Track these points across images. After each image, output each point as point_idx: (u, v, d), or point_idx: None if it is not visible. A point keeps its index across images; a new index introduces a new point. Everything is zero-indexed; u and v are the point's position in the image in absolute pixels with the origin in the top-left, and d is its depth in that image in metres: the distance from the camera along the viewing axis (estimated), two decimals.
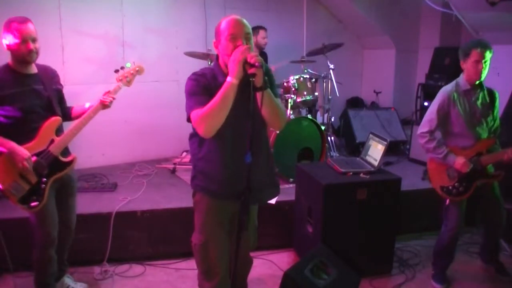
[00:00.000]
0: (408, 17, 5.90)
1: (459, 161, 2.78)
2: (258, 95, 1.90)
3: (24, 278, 2.95)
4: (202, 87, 1.98)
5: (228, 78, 1.89)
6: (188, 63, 4.76)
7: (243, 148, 1.90)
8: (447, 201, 2.90)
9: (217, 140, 2.01)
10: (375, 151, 3.28)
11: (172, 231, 3.34)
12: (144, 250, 3.34)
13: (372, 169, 3.19)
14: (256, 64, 1.82)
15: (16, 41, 2.31)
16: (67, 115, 2.63)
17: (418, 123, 4.75)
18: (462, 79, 2.84)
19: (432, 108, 2.87)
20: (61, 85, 2.66)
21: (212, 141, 2.02)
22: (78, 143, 4.39)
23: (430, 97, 5.32)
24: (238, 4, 5.28)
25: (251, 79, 1.85)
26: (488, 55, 2.72)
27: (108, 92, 2.59)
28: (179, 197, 3.58)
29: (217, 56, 2.08)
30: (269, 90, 1.96)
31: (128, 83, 2.66)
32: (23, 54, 2.35)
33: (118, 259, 3.25)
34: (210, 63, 4.39)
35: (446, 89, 2.87)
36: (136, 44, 4.71)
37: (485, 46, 2.72)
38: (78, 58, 4.39)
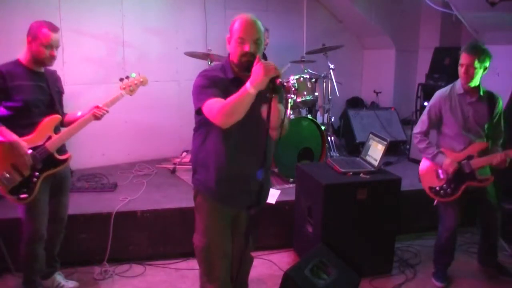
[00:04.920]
0: (408, 17, 5.89)
1: (446, 162, 2.82)
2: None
3: None
4: (212, 81, 1.98)
5: (248, 86, 1.82)
6: (188, 63, 4.77)
7: (248, 150, 1.97)
8: (435, 201, 2.95)
9: (223, 135, 2.01)
10: (375, 151, 3.28)
11: (172, 231, 3.34)
12: (144, 250, 3.34)
13: (372, 169, 3.19)
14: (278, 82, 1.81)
15: (44, 45, 2.42)
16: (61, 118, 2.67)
17: None
18: (458, 82, 2.86)
19: (425, 110, 2.94)
20: (63, 89, 2.75)
21: (219, 135, 2.02)
22: (79, 143, 4.41)
23: (430, 97, 5.28)
24: (238, 4, 5.28)
25: (270, 95, 1.81)
26: (473, 61, 2.67)
27: (105, 104, 2.65)
28: (179, 197, 3.58)
29: (229, 53, 2.10)
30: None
31: (131, 92, 2.76)
32: (45, 57, 2.46)
33: (118, 259, 3.25)
34: (210, 63, 4.38)
35: (440, 92, 2.90)
36: (136, 44, 4.71)
37: (470, 51, 2.69)
38: (78, 58, 4.39)
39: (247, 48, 1.94)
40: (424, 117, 2.92)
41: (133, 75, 2.76)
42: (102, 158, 4.63)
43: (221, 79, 1.99)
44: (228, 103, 1.86)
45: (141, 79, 2.78)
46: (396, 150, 5.11)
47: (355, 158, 3.56)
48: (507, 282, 3.11)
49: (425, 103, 5.36)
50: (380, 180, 3.10)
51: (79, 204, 3.34)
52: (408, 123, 5.35)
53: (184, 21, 4.98)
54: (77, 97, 4.29)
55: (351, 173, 3.14)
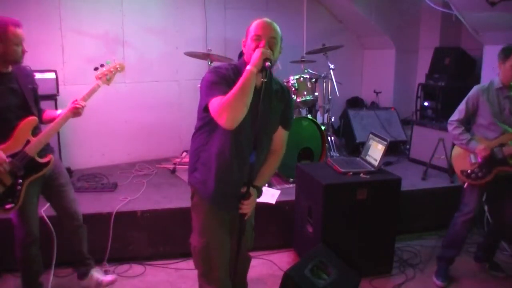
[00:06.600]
0: (408, 17, 5.89)
1: (479, 147, 2.90)
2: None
3: None
4: (221, 78, 1.96)
5: (248, 67, 1.89)
6: (188, 63, 4.77)
7: (249, 149, 1.97)
8: (466, 184, 3.00)
9: (227, 137, 1.98)
10: (375, 151, 3.28)
11: (172, 231, 3.34)
12: (144, 250, 3.34)
13: (372, 169, 3.19)
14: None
15: (16, 44, 2.29)
16: (39, 117, 2.54)
17: (418, 123, 4.81)
18: (497, 78, 2.95)
19: (463, 101, 3.03)
20: (36, 84, 2.60)
21: (222, 137, 1.99)
22: (79, 143, 4.45)
23: (430, 97, 5.34)
24: (238, 4, 5.28)
25: (263, 80, 1.91)
26: None
27: (82, 98, 2.53)
28: (179, 197, 3.58)
29: (241, 54, 2.12)
30: None
31: (108, 81, 2.63)
32: (15, 56, 2.33)
33: (118, 259, 3.25)
34: (210, 63, 4.38)
35: (478, 86, 3.02)
36: (136, 44, 4.71)
37: None
38: (78, 58, 4.39)
39: (262, 44, 1.95)
40: (461, 106, 3.02)
41: (108, 62, 2.62)
42: (102, 158, 4.63)
43: (233, 80, 1.94)
44: (232, 92, 1.84)
45: (117, 66, 2.63)
46: (396, 150, 5.11)
47: (355, 158, 3.56)
48: (508, 282, 3.11)
49: (425, 103, 5.38)
50: (380, 180, 3.10)
51: (79, 204, 3.33)
52: (408, 123, 5.36)
53: (184, 21, 4.98)
54: (77, 97, 4.27)
55: (351, 173, 3.14)
